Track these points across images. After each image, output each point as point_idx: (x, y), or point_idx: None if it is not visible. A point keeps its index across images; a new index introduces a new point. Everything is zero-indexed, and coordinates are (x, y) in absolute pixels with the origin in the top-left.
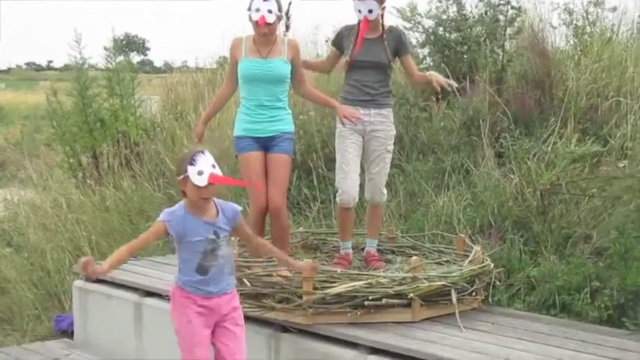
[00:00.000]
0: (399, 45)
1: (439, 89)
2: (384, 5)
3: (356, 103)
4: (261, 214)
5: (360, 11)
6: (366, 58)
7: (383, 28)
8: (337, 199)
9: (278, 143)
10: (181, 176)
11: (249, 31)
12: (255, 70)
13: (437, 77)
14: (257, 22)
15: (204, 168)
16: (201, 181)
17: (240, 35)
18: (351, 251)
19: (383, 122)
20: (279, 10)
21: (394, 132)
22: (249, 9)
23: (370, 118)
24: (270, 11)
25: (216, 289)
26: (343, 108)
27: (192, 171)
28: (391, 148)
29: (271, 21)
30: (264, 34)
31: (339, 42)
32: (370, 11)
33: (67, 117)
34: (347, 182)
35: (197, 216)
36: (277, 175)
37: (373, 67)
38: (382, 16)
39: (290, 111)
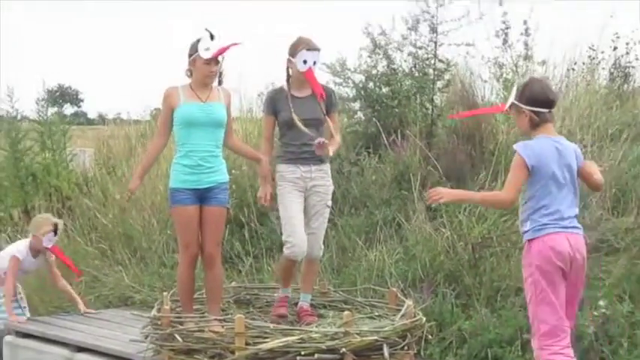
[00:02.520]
0: (328, 103)
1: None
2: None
3: (297, 161)
4: (192, 263)
5: (305, 62)
6: (304, 116)
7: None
8: (286, 252)
9: (215, 195)
10: None
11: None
12: (197, 113)
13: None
14: (208, 59)
15: None
16: None
17: (173, 84)
18: (290, 295)
19: (323, 177)
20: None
21: (332, 187)
22: (196, 50)
23: (311, 174)
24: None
25: None
26: (265, 166)
27: None
28: (330, 203)
29: (220, 59)
30: (211, 74)
31: (272, 108)
32: (315, 63)
33: None
34: (297, 235)
35: None
36: (212, 225)
37: (311, 125)
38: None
39: (224, 161)
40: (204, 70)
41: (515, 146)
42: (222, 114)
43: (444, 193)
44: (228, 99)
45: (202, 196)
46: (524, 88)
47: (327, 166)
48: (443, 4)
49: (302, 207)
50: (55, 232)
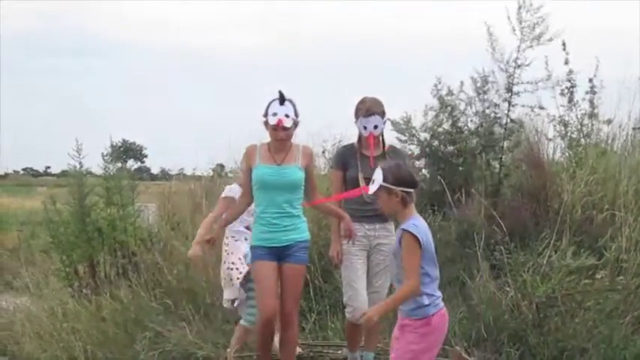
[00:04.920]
0: None
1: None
2: (385, 119)
3: (361, 219)
4: (269, 322)
5: (365, 128)
6: (370, 175)
7: (384, 144)
8: (348, 315)
9: (293, 253)
10: None
11: (264, 139)
12: (270, 176)
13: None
14: (274, 125)
15: None
16: None
17: (254, 143)
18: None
19: (387, 236)
20: (296, 115)
21: None
22: (266, 114)
23: (375, 232)
24: (287, 115)
25: None
26: (348, 222)
27: None
28: None
29: (288, 125)
30: (281, 139)
31: (342, 163)
32: (375, 127)
33: (65, 226)
34: (358, 299)
35: None
36: (291, 284)
37: None
38: (382, 131)
39: (305, 219)
40: (273, 135)
41: (406, 229)
42: (296, 177)
43: (371, 314)
44: (308, 158)
45: (280, 255)
46: (392, 170)
47: (390, 225)
48: (520, 66)
49: (365, 267)
50: None
